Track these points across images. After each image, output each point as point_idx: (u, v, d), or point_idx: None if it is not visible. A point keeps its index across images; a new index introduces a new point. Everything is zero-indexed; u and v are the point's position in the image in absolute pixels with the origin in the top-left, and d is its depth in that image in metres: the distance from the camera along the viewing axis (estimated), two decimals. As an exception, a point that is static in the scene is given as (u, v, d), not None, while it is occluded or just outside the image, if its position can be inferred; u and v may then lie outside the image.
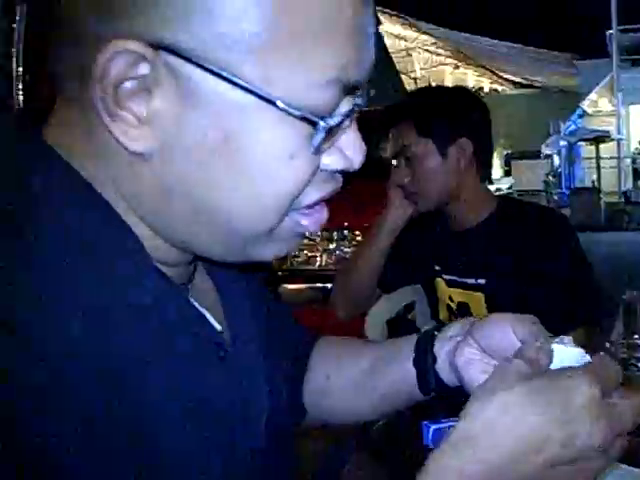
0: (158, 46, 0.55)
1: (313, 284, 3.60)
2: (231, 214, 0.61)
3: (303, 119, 0.58)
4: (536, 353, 0.68)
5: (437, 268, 2.04)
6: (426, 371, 0.88)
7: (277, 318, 0.93)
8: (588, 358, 0.70)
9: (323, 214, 0.67)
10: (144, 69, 0.56)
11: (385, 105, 2.22)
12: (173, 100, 0.57)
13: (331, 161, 0.64)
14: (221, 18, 0.55)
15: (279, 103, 0.57)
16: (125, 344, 0.59)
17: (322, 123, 0.59)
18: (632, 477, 0.98)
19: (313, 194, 0.64)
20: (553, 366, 0.68)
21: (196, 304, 0.70)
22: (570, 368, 0.67)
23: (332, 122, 0.60)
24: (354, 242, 3.63)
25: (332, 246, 3.67)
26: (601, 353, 0.71)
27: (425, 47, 19.24)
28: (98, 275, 0.60)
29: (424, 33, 18.44)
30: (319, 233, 3.75)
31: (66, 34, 0.59)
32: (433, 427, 1.20)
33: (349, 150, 0.64)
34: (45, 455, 0.51)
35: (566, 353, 0.69)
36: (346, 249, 3.61)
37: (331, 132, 0.61)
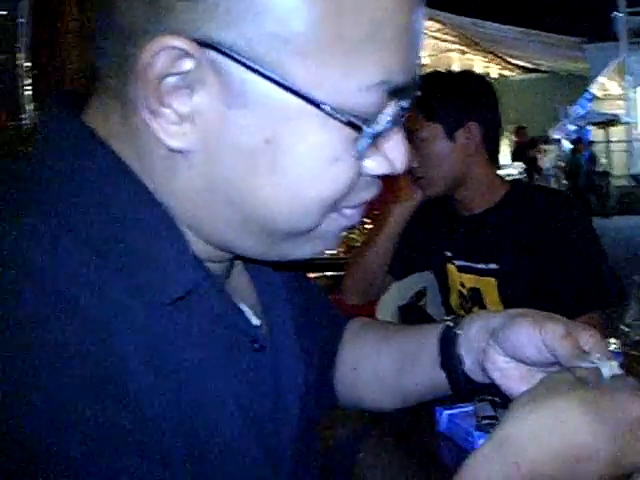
0: (204, 43, 0.54)
1: (324, 272, 3.59)
2: (271, 215, 0.60)
3: (349, 124, 0.57)
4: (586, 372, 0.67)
5: (448, 254, 2.03)
6: (456, 374, 0.87)
7: (312, 303, 0.93)
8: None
9: (361, 212, 0.66)
10: (188, 65, 0.55)
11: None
12: (216, 98, 0.56)
13: (375, 165, 0.62)
14: (269, 17, 0.54)
15: (325, 107, 0.56)
16: (162, 328, 0.59)
17: (368, 129, 0.58)
18: None
19: (354, 198, 0.63)
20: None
21: (234, 299, 0.69)
22: (619, 380, 0.67)
23: (378, 128, 0.59)
24: (364, 230, 3.61)
25: (341, 234, 3.66)
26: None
27: (431, 33, 19.16)
28: (138, 258, 0.59)
29: (430, 19, 18.35)
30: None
31: (110, 27, 0.58)
32: (446, 412, 1.20)
33: (393, 154, 0.63)
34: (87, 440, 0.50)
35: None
36: (356, 237, 3.59)
37: (376, 137, 0.59)
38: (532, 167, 13.62)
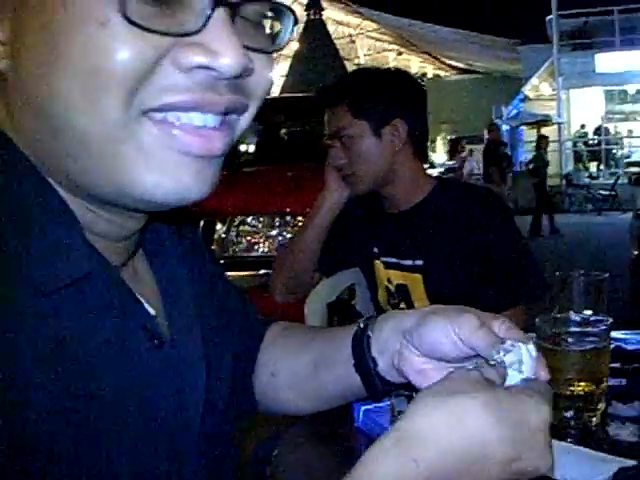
0: None
1: (256, 271, 3.57)
2: (67, 108, 0.56)
3: None
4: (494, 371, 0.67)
5: (375, 250, 2.03)
6: (370, 376, 0.85)
7: (229, 307, 0.91)
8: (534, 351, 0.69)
9: (206, 136, 0.60)
10: None
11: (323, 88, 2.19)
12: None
13: (186, 53, 0.56)
14: None
15: None
16: (51, 317, 0.57)
17: None
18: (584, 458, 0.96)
19: (164, 93, 0.57)
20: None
21: (130, 286, 0.67)
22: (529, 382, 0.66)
23: None
24: (296, 228, 3.61)
25: (274, 232, 3.64)
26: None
27: (368, 33, 19.27)
28: (23, 239, 0.56)
29: (367, 19, 18.48)
30: (260, 219, 3.71)
31: None
32: (363, 408, 1.20)
33: (214, 45, 0.56)
34: None
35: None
36: (288, 235, 3.58)
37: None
38: (501, 167, 13.02)
